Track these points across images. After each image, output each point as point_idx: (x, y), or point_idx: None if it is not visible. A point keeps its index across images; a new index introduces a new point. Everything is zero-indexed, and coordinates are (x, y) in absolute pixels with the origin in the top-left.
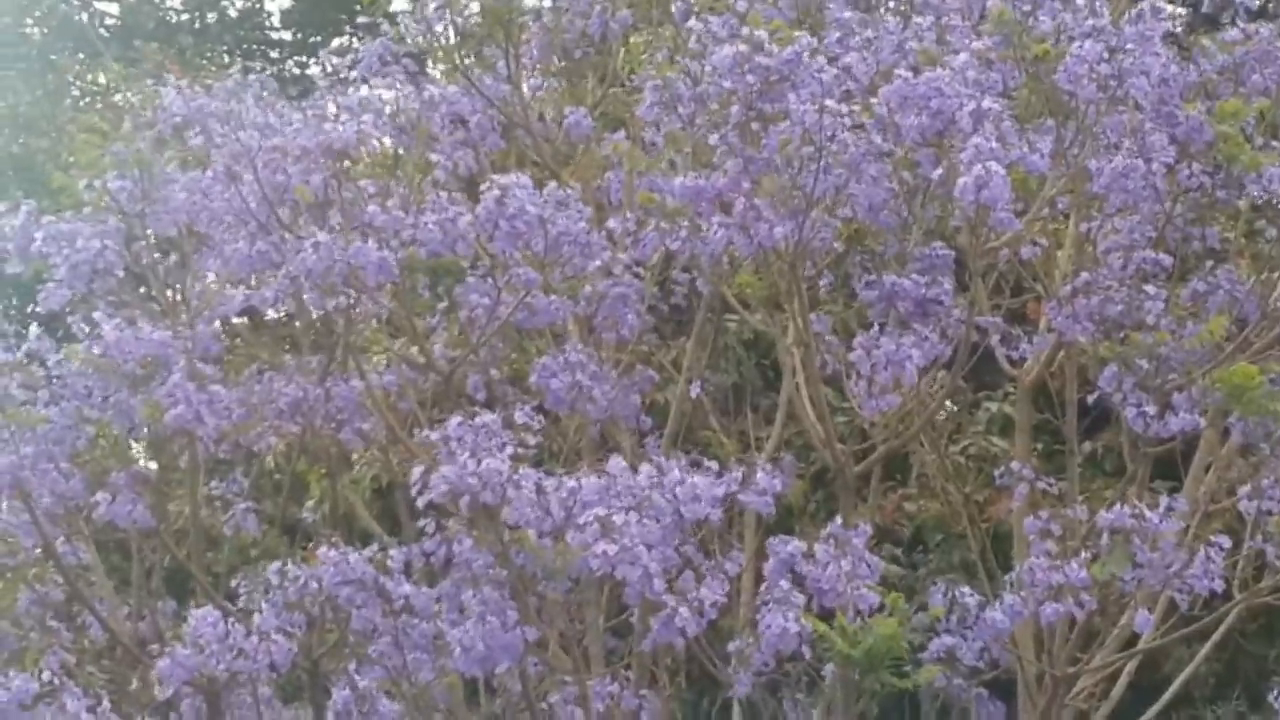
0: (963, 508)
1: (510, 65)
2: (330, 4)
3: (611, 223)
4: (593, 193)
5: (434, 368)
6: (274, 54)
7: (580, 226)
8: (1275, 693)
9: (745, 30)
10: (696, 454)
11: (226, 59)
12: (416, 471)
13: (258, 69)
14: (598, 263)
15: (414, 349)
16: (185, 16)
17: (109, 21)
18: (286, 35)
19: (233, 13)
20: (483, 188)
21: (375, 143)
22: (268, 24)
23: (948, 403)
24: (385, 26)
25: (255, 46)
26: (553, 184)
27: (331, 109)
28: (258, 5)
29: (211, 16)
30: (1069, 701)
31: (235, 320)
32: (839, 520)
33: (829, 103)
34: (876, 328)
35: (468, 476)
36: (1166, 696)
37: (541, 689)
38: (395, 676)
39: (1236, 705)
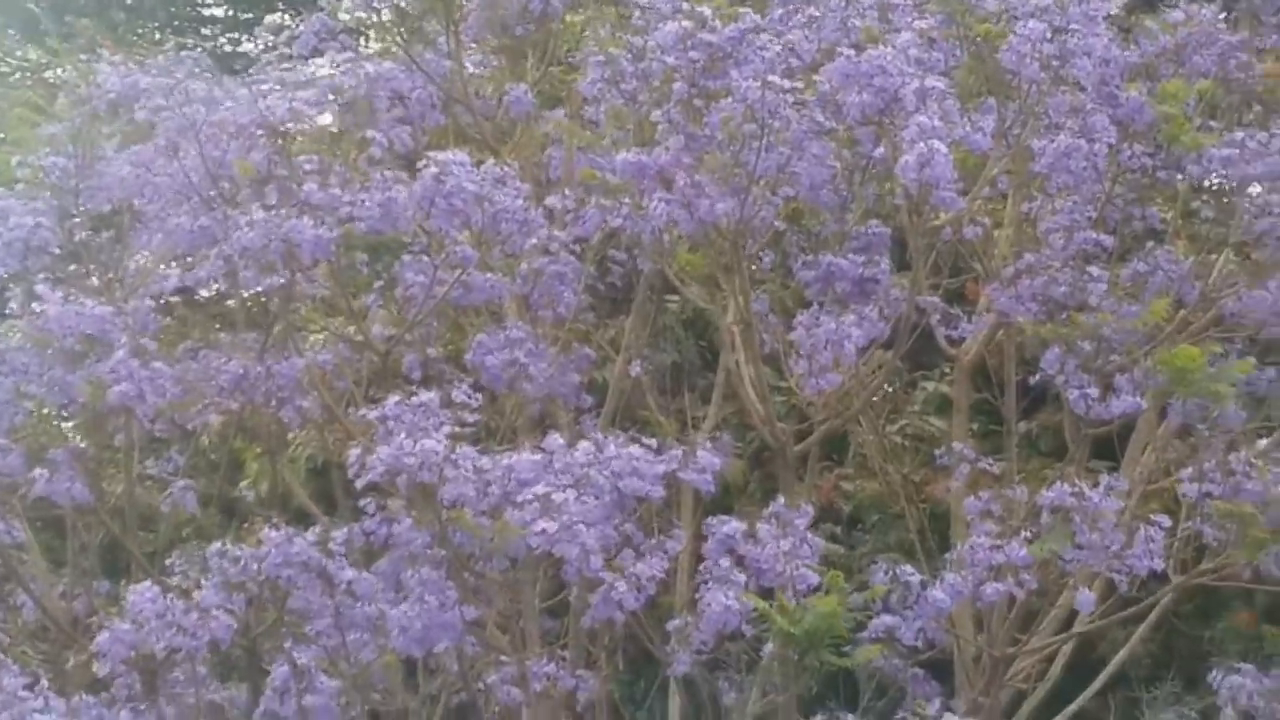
0: (900, 487)
1: (450, 41)
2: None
3: (550, 200)
4: (531, 170)
5: (370, 346)
6: (206, 31)
7: (518, 204)
8: (1214, 672)
9: (688, 6)
10: (635, 433)
11: (159, 35)
12: (353, 452)
13: (190, 45)
14: (534, 240)
15: (351, 328)
16: None
17: None
18: (219, 12)
19: None
20: (420, 165)
21: (313, 120)
22: (200, 0)
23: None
24: (322, 2)
25: (187, 23)
26: (490, 161)
27: (270, 85)
28: None
29: None
30: (1007, 682)
31: (171, 298)
32: (780, 500)
33: (772, 79)
34: (816, 307)
35: (405, 456)
36: (1102, 678)
37: (478, 669)
38: (334, 656)
39: (1172, 685)
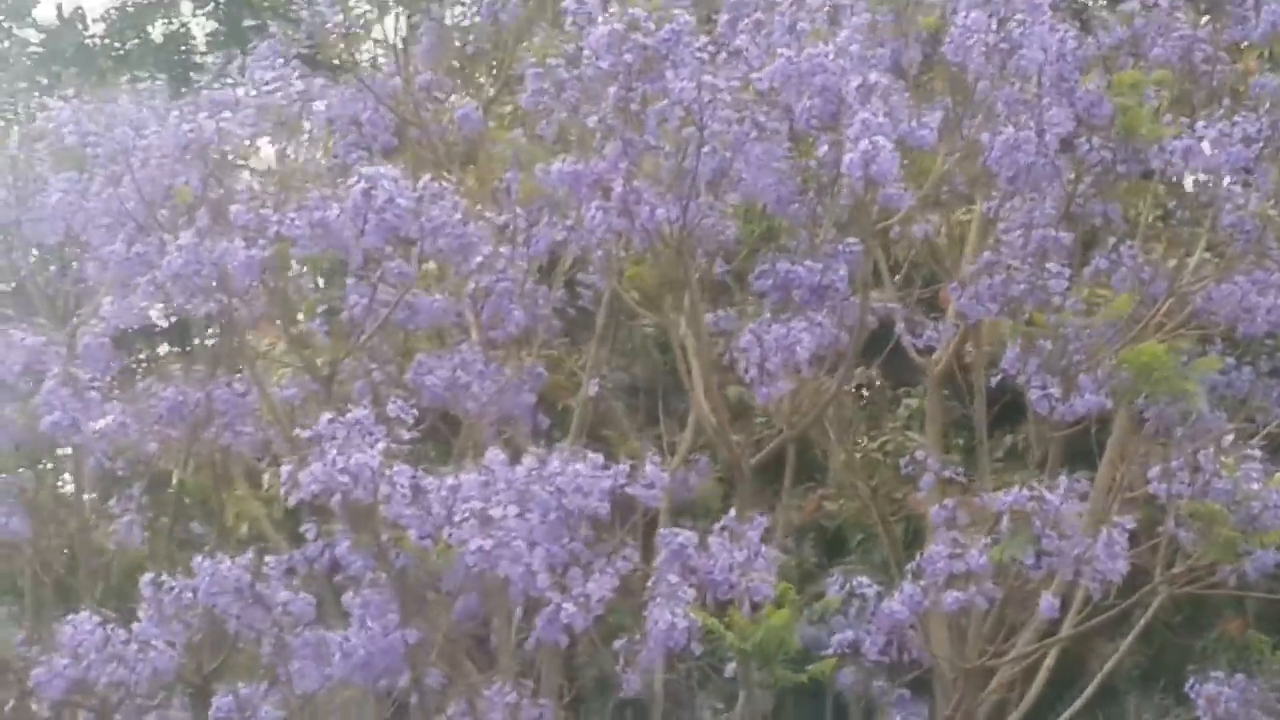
0: (871, 502)
1: (400, 62)
2: (255, 28)
3: (501, 218)
4: (491, 192)
5: (312, 370)
6: (196, 77)
7: (456, 218)
8: (1191, 682)
9: (618, 9)
10: (599, 453)
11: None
12: (285, 470)
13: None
14: (480, 258)
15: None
16: (107, 41)
17: (30, 49)
18: (210, 59)
19: (157, 37)
20: (350, 180)
21: (247, 141)
22: (192, 47)
23: (864, 397)
24: (274, 28)
25: (179, 70)
26: (427, 176)
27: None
28: (183, 29)
29: (134, 41)
30: (985, 695)
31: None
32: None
33: (707, 79)
34: (768, 315)
35: (337, 473)
36: (1090, 689)
37: (441, 700)
38: (279, 685)
39: (1161, 699)
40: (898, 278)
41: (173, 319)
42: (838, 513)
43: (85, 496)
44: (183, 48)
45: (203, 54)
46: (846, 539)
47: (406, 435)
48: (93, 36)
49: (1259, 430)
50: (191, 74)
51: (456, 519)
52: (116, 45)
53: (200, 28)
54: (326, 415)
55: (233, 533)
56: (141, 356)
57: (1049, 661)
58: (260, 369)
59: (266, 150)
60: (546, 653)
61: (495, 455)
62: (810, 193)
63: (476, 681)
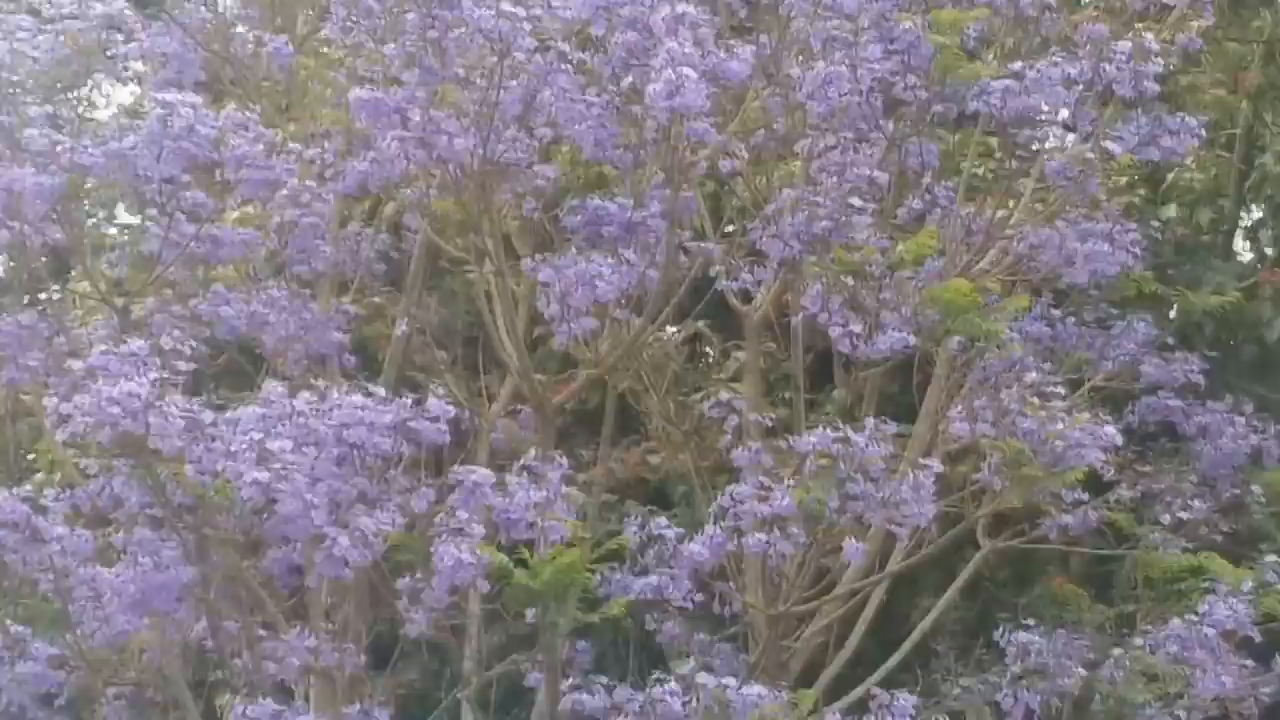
0: (685, 450)
1: None
2: None
3: (309, 151)
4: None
5: (108, 301)
6: None
7: (258, 149)
8: (1002, 630)
9: None
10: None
11: None
12: (50, 402)
13: None
14: (285, 191)
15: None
16: None
17: None
18: None
19: None
20: (146, 105)
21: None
22: None
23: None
24: None
25: None
26: (230, 106)
27: None
28: None
29: None
30: (799, 645)
31: None
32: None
33: (505, 5)
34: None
35: (106, 404)
36: (906, 645)
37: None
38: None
39: (982, 652)
40: (727, 226)
41: None
42: (660, 466)
43: None
44: None
45: None
46: (670, 493)
47: (184, 367)
48: None
49: (1084, 382)
50: None
51: (233, 451)
52: None
53: None
54: (99, 348)
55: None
56: None
57: (868, 614)
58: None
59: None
60: (353, 597)
61: (274, 388)
62: (632, 137)
63: (277, 625)
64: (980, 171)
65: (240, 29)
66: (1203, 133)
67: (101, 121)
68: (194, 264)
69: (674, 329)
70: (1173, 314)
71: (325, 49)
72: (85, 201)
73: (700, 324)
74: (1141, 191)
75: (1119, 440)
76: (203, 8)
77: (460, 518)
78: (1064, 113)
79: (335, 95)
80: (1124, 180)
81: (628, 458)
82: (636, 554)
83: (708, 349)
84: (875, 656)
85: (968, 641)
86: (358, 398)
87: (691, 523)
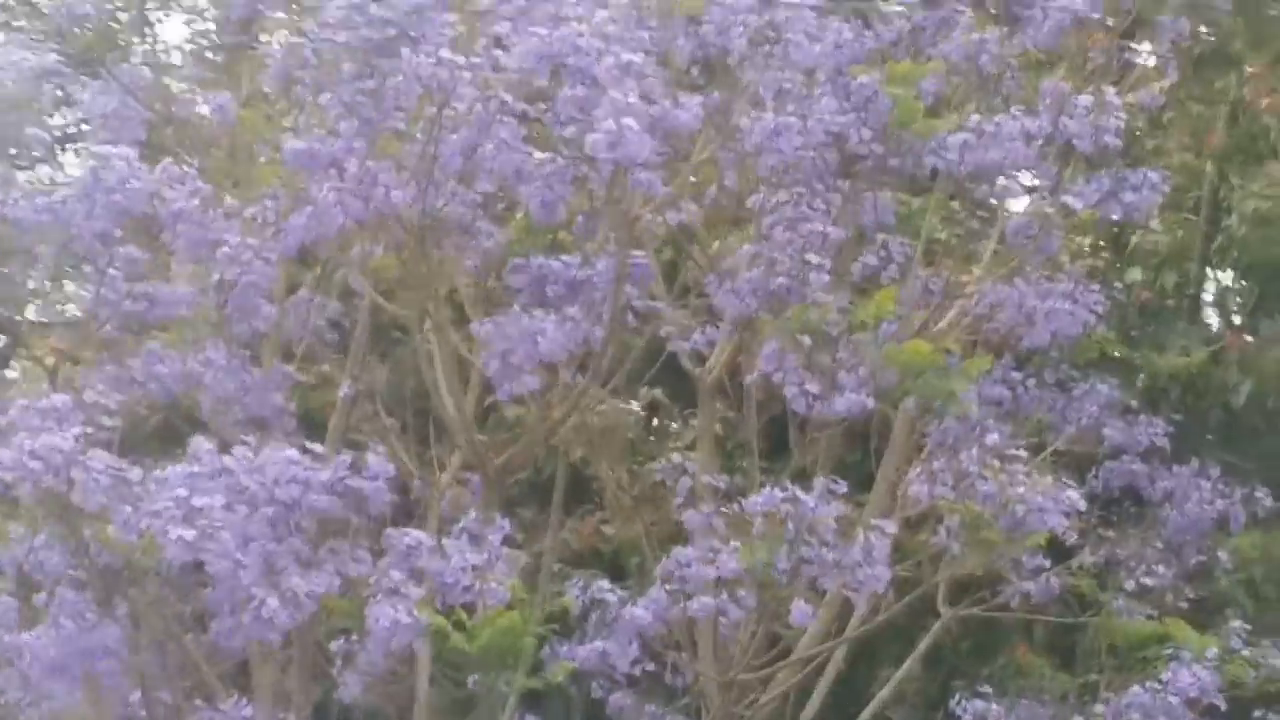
0: (635, 516)
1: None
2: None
3: (250, 209)
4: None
5: (39, 363)
6: None
7: (195, 204)
8: (956, 698)
9: None
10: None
11: None
12: None
13: None
14: (225, 249)
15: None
16: None
17: None
18: None
19: None
20: (78, 158)
21: None
22: None
23: (649, 419)
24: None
25: None
26: (167, 160)
27: None
28: None
29: None
30: (747, 712)
31: None
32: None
33: (444, 54)
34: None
35: (27, 458)
36: (866, 713)
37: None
38: None
39: None
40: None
41: None
42: (615, 537)
43: None
44: None
45: None
46: (624, 564)
47: (109, 422)
48: None
49: (1046, 445)
50: None
51: (158, 510)
52: None
53: None
54: (20, 400)
55: None
56: None
57: (825, 683)
58: None
59: None
60: (296, 665)
61: (202, 444)
62: (584, 201)
63: (215, 695)
64: (943, 236)
65: (183, 87)
66: (1166, 188)
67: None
68: (130, 323)
69: (634, 403)
70: (1140, 379)
71: (270, 107)
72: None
73: (657, 391)
74: (1105, 255)
75: (1081, 505)
76: (144, 67)
77: (395, 578)
78: (1026, 176)
79: (277, 152)
80: (1087, 242)
81: (581, 528)
82: (580, 619)
83: (668, 420)
84: None
85: (928, 714)
86: (292, 453)
87: (645, 592)
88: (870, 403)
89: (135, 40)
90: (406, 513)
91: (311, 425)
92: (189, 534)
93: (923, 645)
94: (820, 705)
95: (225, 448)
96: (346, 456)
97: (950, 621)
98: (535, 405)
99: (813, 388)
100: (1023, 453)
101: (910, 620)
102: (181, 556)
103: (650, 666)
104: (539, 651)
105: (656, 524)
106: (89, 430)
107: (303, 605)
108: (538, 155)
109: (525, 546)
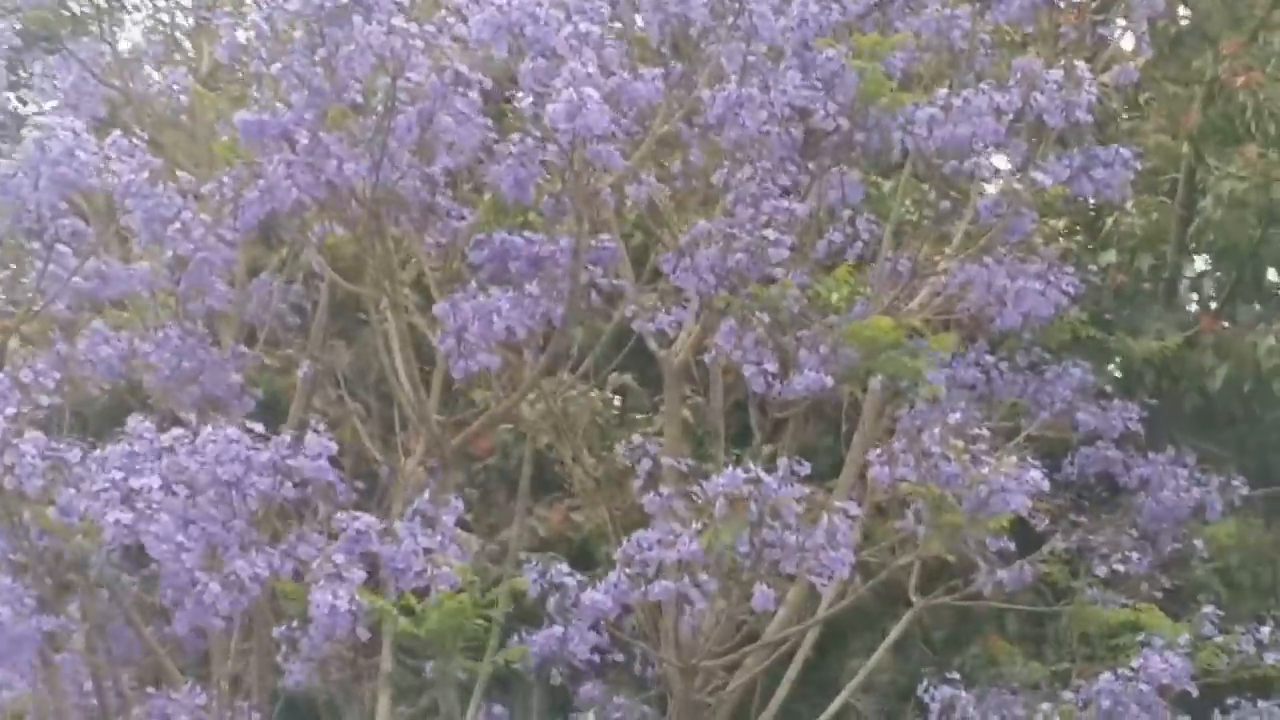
0: (599, 499)
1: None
2: None
3: (206, 185)
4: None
5: None
6: None
7: (143, 177)
8: (924, 684)
9: None
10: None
11: None
12: None
13: None
14: (177, 225)
15: None
16: None
17: None
18: None
19: None
20: (24, 129)
21: None
22: None
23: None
24: None
25: None
26: (117, 132)
27: None
28: None
29: None
30: (710, 699)
31: None
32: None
33: (397, 22)
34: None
35: None
36: (834, 705)
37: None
38: None
39: (914, 715)
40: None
41: None
42: (584, 525)
43: None
44: None
45: None
46: (594, 552)
47: (46, 401)
48: None
49: (1019, 431)
50: None
51: (96, 489)
52: None
53: None
54: None
55: None
56: None
57: (793, 670)
58: None
59: None
60: (256, 654)
61: (141, 424)
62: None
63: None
64: (914, 218)
65: (143, 64)
66: (1138, 165)
67: None
68: (82, 301)
69: (598, 389)
70: (1113, 364)
71: (230, 83)
72: None
73: (626, 377)
74: (1080, 238)
75: (1045, 485)
76: (103, 44)
77: (338, 561)
78: (998, 158)
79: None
80: (1062, 225)
81: (550, 516)
82: (538, 603)
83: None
84: (804, 718)
85: (898, 705)
86: (232, 431)
87: None
88: (829, 381)
89: (94, 15)
90: (378, 500)
91: (276, 410)
92: (127, 516)
93: (893, 635)
94: (789, 696)
95: (166, 427)
96: (286, 435)
97: (922, 611)
98: (497, 386)
99: (771, 366)
100: (985, 432)
101: (881, 610)
102: (120, 539)
103: (619, 657)
104: (505, 639)
105: (621, 509)
106: (23, 410)
107: (247, 589)
108: (512, 136)
109: (495, 534)
